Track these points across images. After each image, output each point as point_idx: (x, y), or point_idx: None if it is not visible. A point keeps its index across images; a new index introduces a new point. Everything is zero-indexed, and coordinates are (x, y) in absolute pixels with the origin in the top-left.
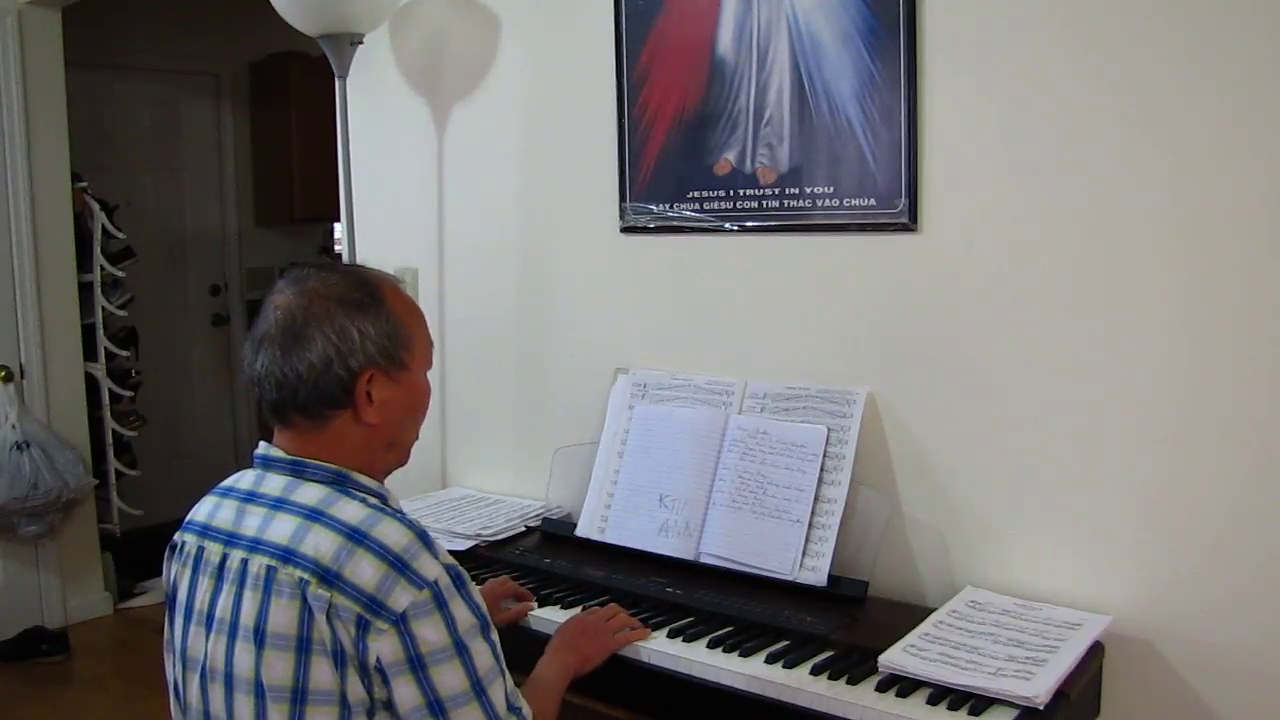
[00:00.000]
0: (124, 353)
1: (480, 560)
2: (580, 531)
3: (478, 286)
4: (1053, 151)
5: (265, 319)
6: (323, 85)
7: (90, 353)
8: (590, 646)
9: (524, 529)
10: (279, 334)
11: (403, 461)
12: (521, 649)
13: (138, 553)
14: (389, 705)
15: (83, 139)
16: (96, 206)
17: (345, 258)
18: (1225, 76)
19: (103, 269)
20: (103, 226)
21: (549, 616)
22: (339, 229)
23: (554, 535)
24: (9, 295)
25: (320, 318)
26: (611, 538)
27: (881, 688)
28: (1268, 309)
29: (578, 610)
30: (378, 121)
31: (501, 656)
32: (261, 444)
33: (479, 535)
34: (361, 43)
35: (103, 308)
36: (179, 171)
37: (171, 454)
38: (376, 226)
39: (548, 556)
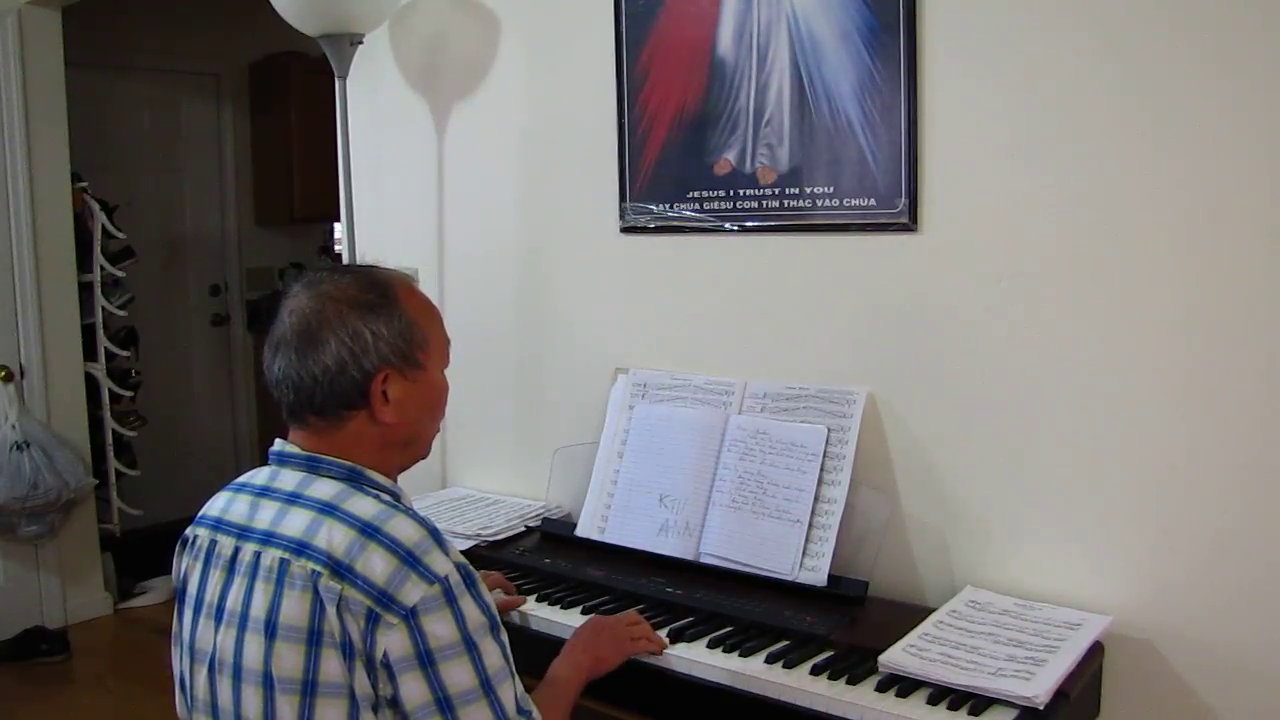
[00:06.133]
0: (124, 353)
1: (480, 560)
2: (580, 531)
3: (478, 286)
4: (1053, 151)
5: (280, 323)
6: (323, 85)
7: (90, 353)
8: (607, 648)
9: (524, 529)
10: (294, 338)
11: (421, 456)
12: (524, 650)
13: (138, 553)
14: (393, 702)
15: (83, 139)
16: (96, 206)
17: (345, 258)
18: (1232, 75)
19: (103, 269)
20: (103, 226)
21: (549, 616)
22: (339, 229)
23: (554, 535)
24: (9, 295)
25: (333, 321)
26: (611, 538)
27: (881, 688)
28: (1270, 309)
29: (577, 610)
30: (378, 121)
31: (511, 659)
32: (277, 441)
33: (479, 535)
34: (361, 43)
35: (103, 308)
36: (179, 171)
37: (171, 454)
38: (376, 226)
39: (548, 556)
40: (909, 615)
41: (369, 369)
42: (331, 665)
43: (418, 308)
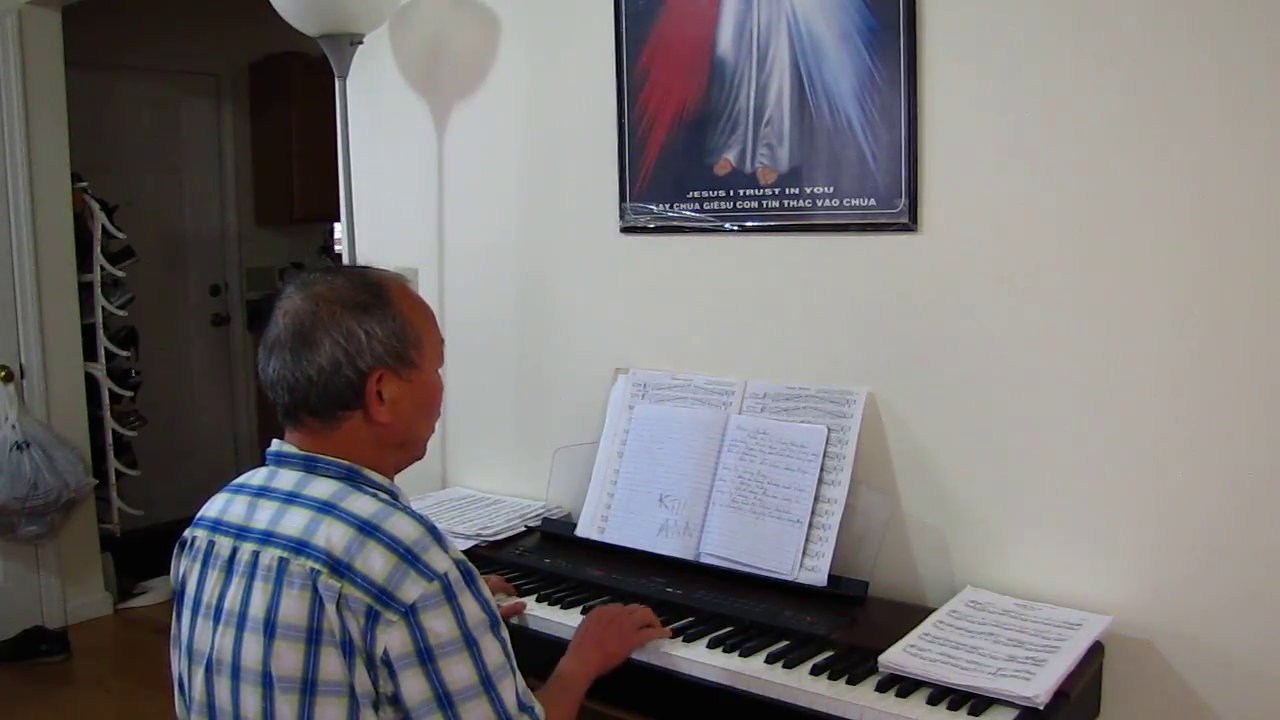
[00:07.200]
0: (124, 353)
1: (480, 560)
2: (580, 531)
3: (478, 287)
4: (1053, 150)
5: (275, 325)
6: (323, 85)
7: (90, 353)
8: (615, 643)
9: (524, 529)
10: (288, 339)
11: (417, 457)
12: (524, 650)
13: (138, 553)
14: (394, 699)
15: (83, 139)
16: (96, 206)
17: (345, 258)
18: (1232, 74)
19: (103, 269)
20: (103, 226)
21: (549, 616)
22: (339, 229)
23: (554, 535)
24: (9, 295)
25: (327, 322)
26: (611, 538)
27: (881, 688)
28: (1271, 310)
29: (577, 610)
30: (378, 121)
31: (512, 655)
32: (274, 441)
33: (479, 535)
34: (361, 43)
35: (103, 308)
36: (179, 171)
37: (171, 454)
38: (376, 226)
39: (548, 556)
40: (909, 615)
41: (363, 369)
42: (331, 663)
43: (411, 307)
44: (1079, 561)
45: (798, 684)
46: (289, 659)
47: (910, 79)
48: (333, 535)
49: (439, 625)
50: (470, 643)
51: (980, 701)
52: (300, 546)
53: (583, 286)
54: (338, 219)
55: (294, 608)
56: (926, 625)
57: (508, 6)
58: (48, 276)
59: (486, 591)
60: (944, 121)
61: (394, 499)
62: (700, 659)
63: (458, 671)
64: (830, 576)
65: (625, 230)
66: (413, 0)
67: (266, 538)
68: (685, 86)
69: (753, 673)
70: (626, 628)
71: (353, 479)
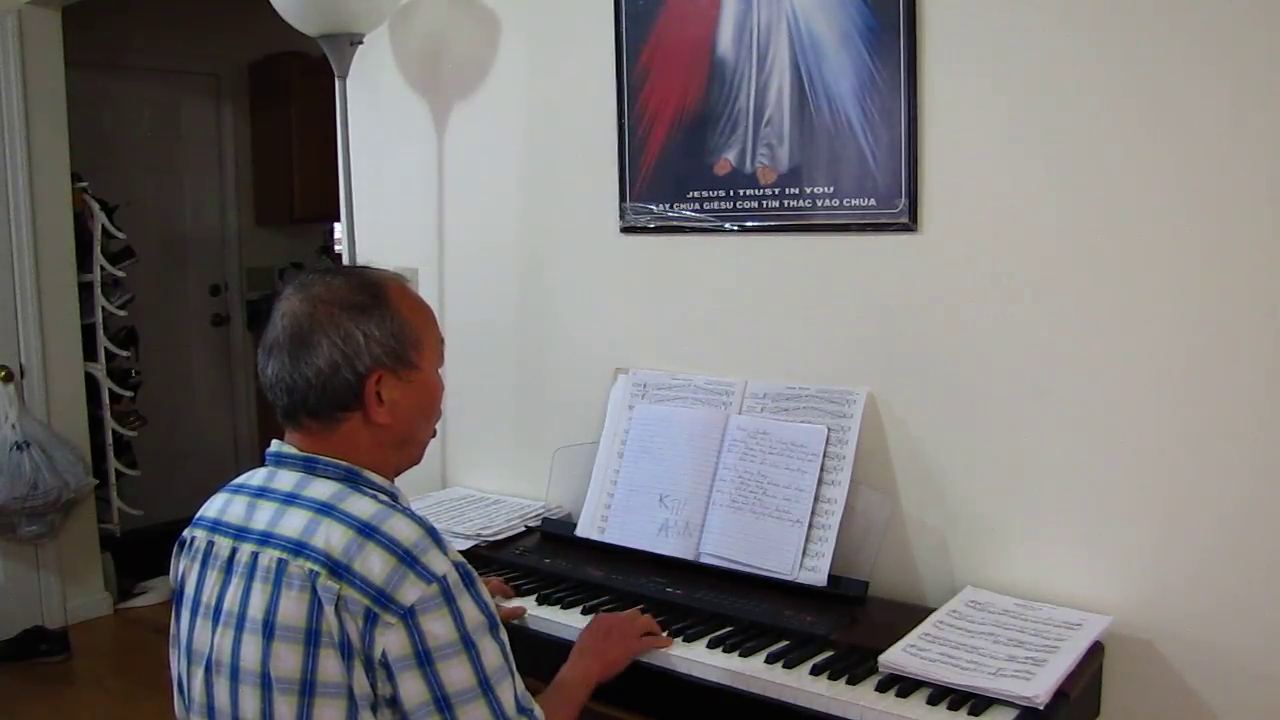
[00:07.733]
0: (124, 353)
1: (480, 560)
2: (580, 531)
3: (478, 286)
4: (1054, 150)
5: (273, 326)
6: (323, 85)
7: (90, 353)
8: (616, 651)
9: (524, 529)
10: (287, 341)
11: (417, 459)
12: (524, 650)
13: (138, 553)
14: (392, 701)
15: (83, 139)
16: (96, 206)
17: (345, 258)
18: (1231, 72)
19: (103, 269)
20: (103, 226)
21: (549, 616)
22: (339, 229)
23: (554, 535)
24: (9, 295)
25: (325, 323)
26: (611, 538)
27: (881, 688)
28: (1271, 309)
29: (577, 610)
30: (378, 121)
31: (511, 657)
32: (274, 442)
33: (479, 535)
34: (361, 43)
35: (103, 308)
36: (179, 171)
37: (171, 454)
38: (376, 226)
39: (548, 556)
40: (909, 615)
41: (361, 370)
42: (330, 665)
43: (410, 308)
44: (1079, 561)
45: (798, 684)
46: (288, 660)
47: (910, 79)
48: (332, 537)
49: (437, 627)
50: (469, 645)
51: (980, 701)
52: (299, 548)
53: (583, 286)
54: (338, 219)
55: (293, 609)
56: (926, 625)
57: (508, 6)
58: (48, 276)
59: (485, 593)
60: (944, 121)
61: (394, 500)
62: (700, 659)
63: (456, 674)
64: (830, 576)
65: (625, 230)
66: (413, 0)
67: (265, 538)
68: (685, 86)
69: (753, 673)
70: (628, 635)
71: (352, 480)
